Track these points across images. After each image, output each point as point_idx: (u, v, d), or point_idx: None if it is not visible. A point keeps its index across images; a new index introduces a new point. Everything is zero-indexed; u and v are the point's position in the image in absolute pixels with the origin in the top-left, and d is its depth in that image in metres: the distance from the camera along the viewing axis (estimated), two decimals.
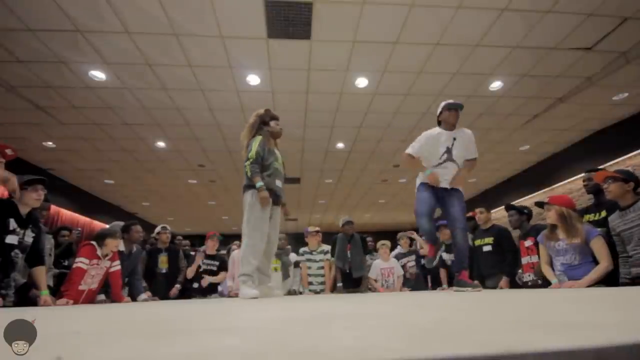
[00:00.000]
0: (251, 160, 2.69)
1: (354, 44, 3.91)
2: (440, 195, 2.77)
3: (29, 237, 2.45)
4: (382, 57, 4.13)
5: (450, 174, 2.76)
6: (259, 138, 2.78)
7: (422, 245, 4.35)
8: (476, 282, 3.63)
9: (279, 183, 2.82)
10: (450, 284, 4.04)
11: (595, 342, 0.28)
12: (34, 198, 2.41)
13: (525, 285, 3.24)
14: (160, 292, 3.96)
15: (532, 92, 4.94)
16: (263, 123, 2.92)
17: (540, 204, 2.83)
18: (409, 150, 2.81)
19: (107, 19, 3.39)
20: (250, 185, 2.70)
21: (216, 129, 5.78)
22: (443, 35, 3.78)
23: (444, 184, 2.75)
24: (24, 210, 2.41)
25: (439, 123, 2.88)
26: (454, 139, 2.76)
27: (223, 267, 4.20)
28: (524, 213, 3.42)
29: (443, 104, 2.88)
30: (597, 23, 3.61)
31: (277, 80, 4.52)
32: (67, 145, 6.17)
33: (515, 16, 3.52)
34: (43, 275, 2.53)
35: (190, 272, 4.01)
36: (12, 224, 2.31)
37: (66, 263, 3.63)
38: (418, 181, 2.88)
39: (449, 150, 2.74)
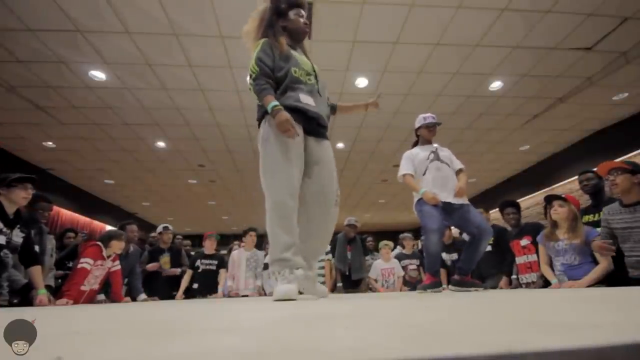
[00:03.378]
0: (254, 74, 1.70)
1: (354, 44, 3.91)
2: (448, 209, 2.53)
3: (18, 236, 2.40)
4: (382, 57, 4.13)
5: (447, 179, 2.56)
6: (261, 41, 1.78)
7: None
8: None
9: (307, 99, 1.74)
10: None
11: (595, 342, 0.28)
12: (21, 196, 2.35)
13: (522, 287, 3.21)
14: (162, 292, 3.97)
15: (532, 92, 4.94)
16: (277, 14, 1.87)
17: (551, 198, 2.68)
18: (405, 172, 2.65)
19: (107, 19, 3.39)
20: (263, 113, 1.73)
21: (216, 129, 5.78)
22: (443, 35, 3.78)
23: (447, 196, 2.52)
24: (10, 209, 2.36)
25: (418, 137, 2.83)
26: (436, 147, 2.71)
27: (222, 265, 4.19)
28: (520, 211, 3.38)
29: (421, 119, 2.77)
30: (597, 23, 3.61)
31: None
32: (67, 145, 6.18)
33: (515, 16, 3.52)
34: (39, 275, 2.50)
35: (186, 278, 4.02)
36: None
37: (70, 264, 3.62)
38: (415, 198, 2.64)
39: (434, 152, 2.65)
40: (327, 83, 1.99)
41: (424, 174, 2.61)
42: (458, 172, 2.69)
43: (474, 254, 2.56)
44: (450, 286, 2.68)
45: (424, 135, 2.75)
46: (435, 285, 2.52)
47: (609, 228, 2.35)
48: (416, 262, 4.40)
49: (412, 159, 2.69)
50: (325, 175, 1.74)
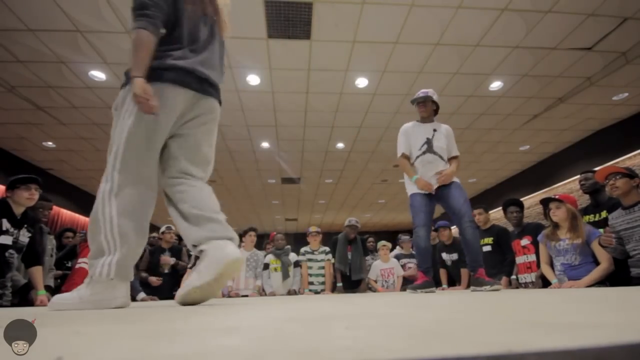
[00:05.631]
0: None
1: (354, 44, 3.91)
2: (435, 195, 2.58)
3: (25, 236, 2.43)
4: (382, 57, 4.13)
5: (435, 170, 2.57)
6: None
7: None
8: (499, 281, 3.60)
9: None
10: (452, 284, 4.03)
11: (595, 342, 0.28)
12: (25, 197, 2.37)
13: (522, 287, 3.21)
14: (162, 292, 3.96)
15: (532, 92, 4.94)
16: None
17: (547, 200, 2.70)
18: (401, 151, 2.71)
19: (107, 19, 3.39)
20: None
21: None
22: (443, 35, 3.78)
23: (434, 183, 2.56)
24: (18, 210, 2.39)
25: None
26: (434, 130, 2.66)
27: None
28: (523, 210, 3.37)
29: (415, 96, 2.81)
30: (597, 23, 3.61)
31: (277, 80, 4.52)
32: (67, 145, 6.18)
33: (515, 16, 3.53)
34: (40, 275, 2.52)
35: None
36: (5, 224, 2.31)
37: (69, 264, 3.63)
38: (409, 191, 2.68)
39: (428, 141, 2.62)
40: None
41: (415, 160, 2.66)
42: (451, 158, 2.69)
43: (465, 244, 2.50)
44: (471, 287, 2.58)
45: (418, 112, 2.76)
46: (427, 285, 2.46)
47: (616, 232, 2.41)
48: (415, 260, 4.44)
49: (408, 136, 2.70)
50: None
